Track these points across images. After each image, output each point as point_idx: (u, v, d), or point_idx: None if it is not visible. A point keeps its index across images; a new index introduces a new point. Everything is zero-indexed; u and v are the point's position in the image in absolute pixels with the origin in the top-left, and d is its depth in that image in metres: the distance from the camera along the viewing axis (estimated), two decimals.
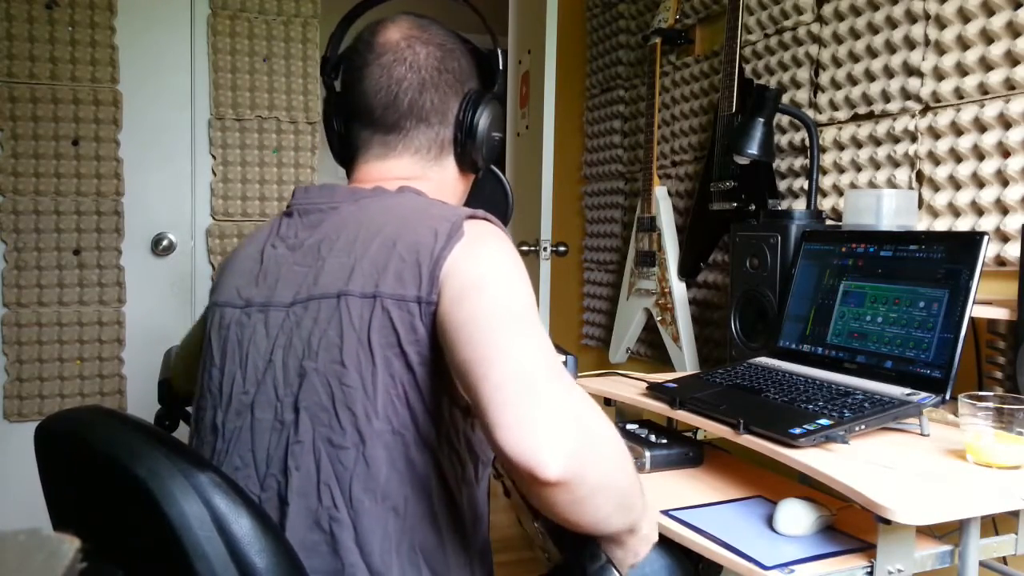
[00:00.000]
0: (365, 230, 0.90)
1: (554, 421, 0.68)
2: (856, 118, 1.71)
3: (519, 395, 0.70)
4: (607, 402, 1.52)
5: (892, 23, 1.61)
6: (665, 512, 1.09)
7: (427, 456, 0.84)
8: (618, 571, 0.84)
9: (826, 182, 1.77)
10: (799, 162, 1.87)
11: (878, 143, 1.65)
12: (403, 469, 0.84)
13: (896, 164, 1.60)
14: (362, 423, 0.83)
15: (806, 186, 1.77)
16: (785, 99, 1.85)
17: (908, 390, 1.17)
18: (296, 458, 0.85)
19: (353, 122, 1.02)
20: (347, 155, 1.05)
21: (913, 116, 1.57)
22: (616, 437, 0.77)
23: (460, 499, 0.87)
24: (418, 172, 1.01)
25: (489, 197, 1.37)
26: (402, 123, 0.99)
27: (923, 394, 1.15)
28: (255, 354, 0.92)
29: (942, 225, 1.51)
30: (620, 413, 1.58)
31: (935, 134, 1.52)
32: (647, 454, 1.28)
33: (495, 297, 0.80)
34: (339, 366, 0.84)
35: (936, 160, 1.52)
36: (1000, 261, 1.41)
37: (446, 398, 0.85)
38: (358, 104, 1.01)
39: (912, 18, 1.57)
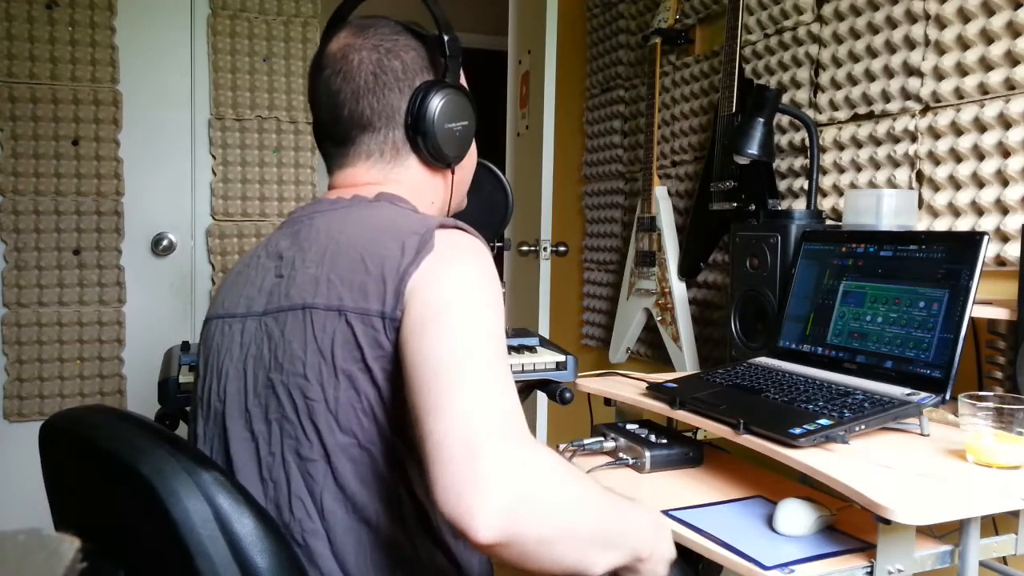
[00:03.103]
0: (335, 242, 0.89)
1: (490, 483, 0.65)
2: (856, 118, 1.71)
3: (458, 454, 0.67)
4: (607, 402, 1.52)
5: (892, 23, 1.61)
6: (665, 512, 1.09)
7: (396, 470, 0.83)
8: None
9: (826, 182, 1.77)
10: (799, 162, 1.87)
11: (878, 143, 1.65)
12: (372, 482, 0.83)
13: (896, 164, 1.60)
14: (326, 436, 0.82)
15: (806, 186, 1.77)
16: (785, 99, 1.85)
17: (908, 390, 1.17)
18: (269, 469, 0.85)
19: (317, 137, 1.05)
20: (326, 165, 1.06)
21: (913, 116, 1.57)
22: (573, 487, 0.74)
23: (434, 512, 0.85)
24: (379, 177, 0.99)
25: (489, 197, 1.37)
26: (348, 134, 0.99)
27: (923, 394, 1.15)
28: (228, 363, 0.92)
29: (942, 225, 1.51)
30: (620, 413, 1.58)
31: (935, 134, 1.52)
32: (647, 454, 1.28)
33: (453, 334, 0.76)
34: (302, 379, 0.83)
35: (936, 160, 1.52)
36: (1000, 261, 1.41)
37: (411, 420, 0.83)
38: (315, 120, 1.03)
39: (912, 18, 1.57)
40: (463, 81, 1.04)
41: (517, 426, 0.71)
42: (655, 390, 1.38)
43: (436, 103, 0.97)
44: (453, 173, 1.05)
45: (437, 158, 1.00)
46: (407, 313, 0.80)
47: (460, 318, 0.78)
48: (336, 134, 1.00)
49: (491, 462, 0.67)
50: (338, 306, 0.83)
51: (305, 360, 0.84)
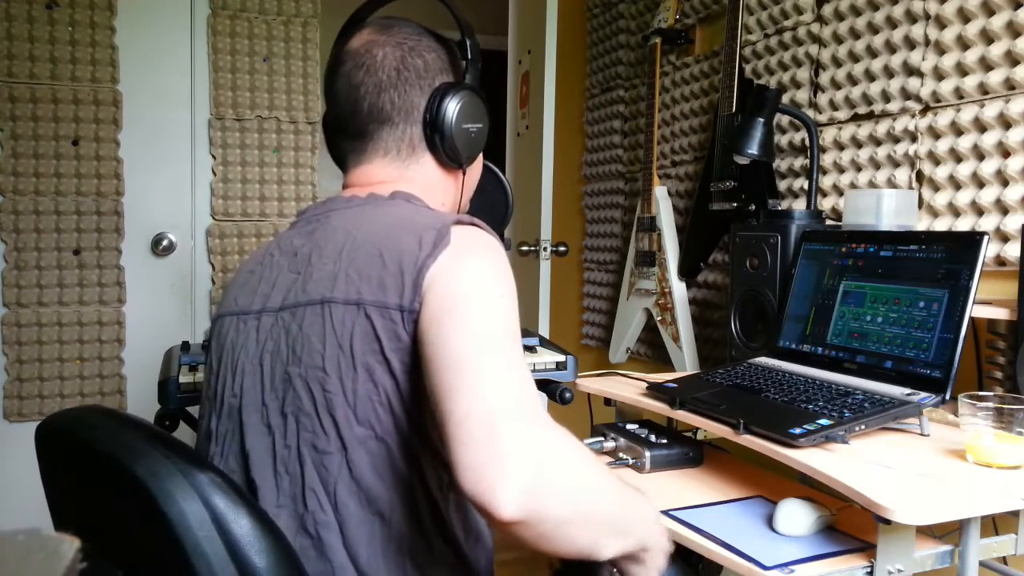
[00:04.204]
0: (352, 238, 0.90)
1: (511, 461, 0.67)
2: (856, 118, 1.71)
3: (479, 433, 0.68)
4: (607, 402, 1.52)
5: (892, 23, 1.61)
6: (665, 512, 1.09)
7: (411, 463, 0.84)
8: None
9: (826, 182, 1.77)
10: (799, 162, 1.87)
11: (878, 143, 1.65)
12: (387, 475, 0.83)
13: (896, 164, 1.60)
14: (344, 429, 0.83)
15: (806, 186, 1.77)
16: (785, 99, 1.85)
17: (908, 390, 1.17)
18: (284, 463, 0.86)
19: (332, 133, 1.05)
20: (339, 164, 1.06)
21: (913, 116, 1.57)
22: (591, 470, 0.75)
23: (446, 507, 0.87)
24: (395, 175, 1.00)
25: (489, 197, 1.37)
26: (366, 128, 0.99)
27: (923, 394, 1.15)
28: (244, 358, 0.93)
29: (942, 225, 1.51)
30: (620, 413, 1.58)
31: (935, 134, 1.52)
32: (647, 454, 1.28)
33: (472, 321, 0.78)
34: (321, 372, 0.84)
35: (936, 160, 1.52)
36: (1000, 261, 1.41)
37: (429, 406, 0.83)
38: (332, 115, 1.03)
39: (912, 18, 1.57)
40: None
41: (536, 408, 0.73)
42: (655, 390, 1.38)
43: (455, 103, 0.99)
44: (464, 174, 1.07)
45: (452, 157, 1.02)
46: (425, 305, 0.81)
47: (478, 308, 0.79)
48: (353, 127, 1.00)
49: (512, 440, 0.68)
50: (357, 300, 0.85)
51: (324, 353, 0.85)
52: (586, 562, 0.84)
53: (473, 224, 0.90)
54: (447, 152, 1.01)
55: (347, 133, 1.02)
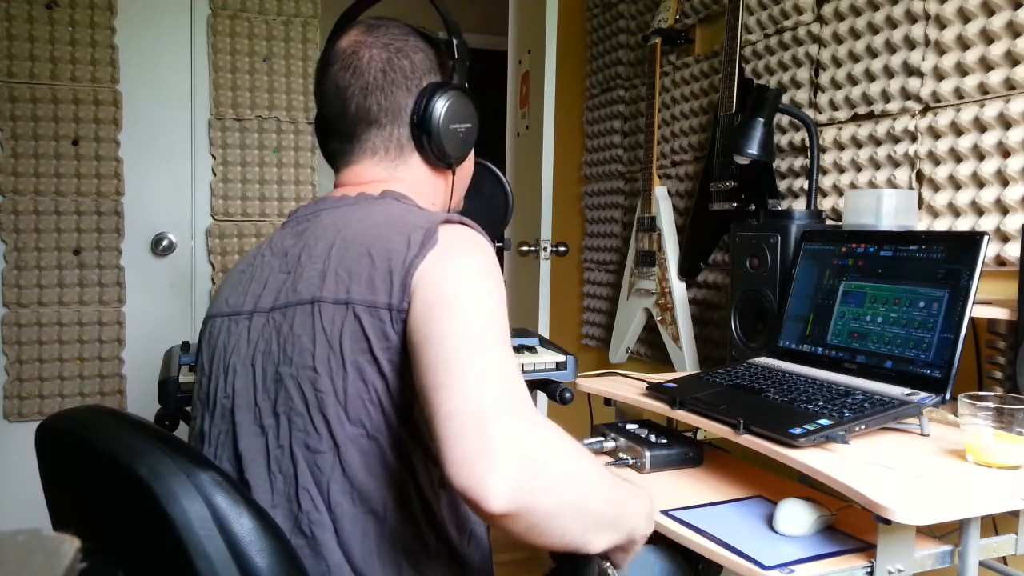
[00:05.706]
0: (341, 237, 0.91)
1: (500, 454, 0.67)
2: (856, 118, 1.71)
3: (467, 428, 0.69)
4: (607, 402, 1.52)
5: (892, 23, 1.61)
6: (665, 512, 1.09)
7: (403, 461, 0.84)
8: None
9: (826, 182, 1.77)
10: (799, 162, 1.87)
11: (878, 143, 1.65)
12: (380, 473, 0.84)
13: (896, 164, 1.60)
14: (335, 428, 0.83)
15: (806, 186, 1.77)
16: (785, 99, 1.85)
17: (908, 390, 1.17)
18: (278, 463, 0.86)
19: (322, 133, 1.06)
20: (330, 164, 1.07)
21: (913, 116, 1.57)
22: (581, 464, 0.76)
23: (438, 505, 0.87)
24: (384, 175, 1.01)
25: (489, 197, 1.37)
26: (353, 130, 1.00)
27: (923, 394, 1.15)
28: (236, 359, 0.93)
29: (942, 225, 1.51)
30: (620, 413, 1.58)
31: (935, 134, 1.52)
32: (647, 454, 1.28)
33: (460, 318, 0.78)
34: (311, 371, 0.85)
35: (936, 160, 1.52)
36: (1000, 261, 1.41)
37: (419, 404, 0.83)
38: (320, 115, 1.04)
39: (912, 18, 1.57)
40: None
41: (525, 403, 0.73)
42: (655, 390, 1.38)
43: (442, 103, 0.99)
44: (454, 174, 1.07)
45: (440, 157, 1.02)
46: (413, 303, 0.81)
47: (467, 304, 0.80)
48: (341, 129, 1.01)
49: (502, 433, 0.68)
50: (346, 299, 0.85)
51: (314, 353, 0.85)
52: (577, 557, 0.84)
53: (462, 223, 0.90)
54: (435, 152, 1.01)
55: (335, 134, 1.02)
